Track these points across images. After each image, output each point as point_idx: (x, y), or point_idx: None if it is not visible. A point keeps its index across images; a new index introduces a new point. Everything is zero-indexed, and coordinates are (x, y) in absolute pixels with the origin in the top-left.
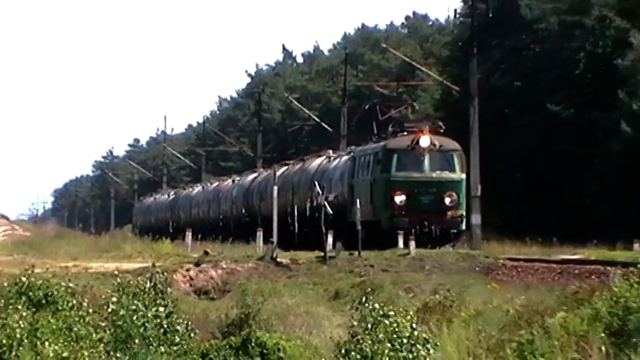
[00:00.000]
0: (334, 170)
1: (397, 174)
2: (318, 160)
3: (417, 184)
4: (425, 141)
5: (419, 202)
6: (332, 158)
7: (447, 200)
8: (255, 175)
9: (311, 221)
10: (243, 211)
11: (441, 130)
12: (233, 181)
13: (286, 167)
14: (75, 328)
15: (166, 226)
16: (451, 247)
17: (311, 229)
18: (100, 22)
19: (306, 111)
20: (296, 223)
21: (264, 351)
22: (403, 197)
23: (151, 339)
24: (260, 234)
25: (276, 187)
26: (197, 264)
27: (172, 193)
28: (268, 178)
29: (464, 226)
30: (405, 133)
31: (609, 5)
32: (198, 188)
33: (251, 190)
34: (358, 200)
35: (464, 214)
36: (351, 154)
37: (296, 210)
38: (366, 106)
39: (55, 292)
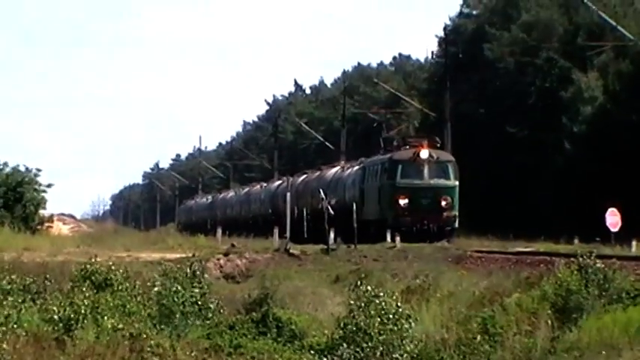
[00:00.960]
0: (347, 177)
1: (401, 181)
2: (334, 170)
3: (417, 190)
4: (424, 153)
5: (419, 204)
6: (345, 167)
7: (443, 203)
8: (280, 182)
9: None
10: (270, 211)
11: (438, 145)
12: (261, 186)
13: (306, 175)
14: (128, 306)
15: (205, 223)
16: (446, 242)
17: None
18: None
19: (313, 132)
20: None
21: (279, 324)
22: (406, 200)
23: (189, 314)
24: (276, 231)
25: (289, 194)
26: (226, 254)
27: (210, 196)
28: (292, 184)
29: (457, 225)
30: (407, 147)
31: (554, 49)
32: (231, 193)
33: (277, 194)
34: (355, 203)
35: (457, 214)
36: (362, 164)
37: (315, 210)
38: (375, 124)
39: (113, 277)
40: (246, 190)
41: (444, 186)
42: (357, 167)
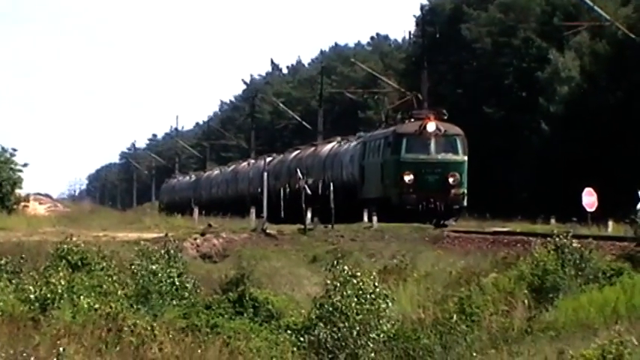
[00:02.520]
0: (345, 153)
1: (406, 156)
2: (329, 146)
3: (423, 165)
4: (431, 126)
5: (425, 181)
6: (343, 143)
7: (451, 180)
8: (270, 158)
9: (323, 198)
10: (259, 189)
11: (445, 117)
12: (249, 164)
13: (298, 151)
14: (104, 286)
15: (189, 203)
16: (454, 222)
17: (322, 205)
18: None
19: (290, 112)
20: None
21: (256, 304)
22: (411, 177)
23: (166, 294)
24: (253, 210)
25: (266, 173)
26: (202, 234)
27: (194, 175)
28: (283, 161)
29: (465, 203)
30: (412, 120)
31: (532, 29)
32: (217, 171)
33: (266, 171)
34: (332, 183)
35: (465, 192)
36: (361, 139)
37: (308, 189)
38: (376, 97)
39: (89, 256)
40: (233, 167)
41: (452, 161)
42: (355, 142)
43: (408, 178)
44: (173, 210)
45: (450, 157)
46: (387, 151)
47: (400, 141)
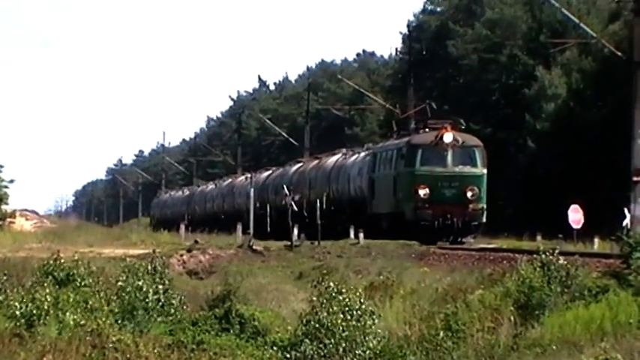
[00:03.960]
0: (352, 166)
1: (421, 168)
2: (334, 158)
3: (440, 178)
4: (448, 137)
5: (442, 195)
6: (349, 155)
7: (469, 194)
8: (269, 172)
9: (327, 212)
10: (258, 204)
11: (462, 127)
12: (246, 178)
13: (300, 164)
14: (90, 302)
15: (182, 218)
16: (472, 239)
17: (328, 220)
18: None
19: (277, 128)
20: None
21: (242, 320)
22: (427, 190)
23: (151, 310)
24: (239, 227)
25: (252, 189)
26: (189, 250)
27: (187, 189)
28: (283, 175)
29: (484, 219)
30: (427, 130)
31: (518, 46)
32: (211, 185)
33: (265, 186)
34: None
35: (484, 207)
36: (370, 150)
37: (312, 202)
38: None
39: (76, 272)
40: (230, 181)
41: (471, 174)
42: (364, 154)
43: (423, 192)
44: (165, 225)
45: (468, 169)
46: (400, 163)
47: (415, 152)
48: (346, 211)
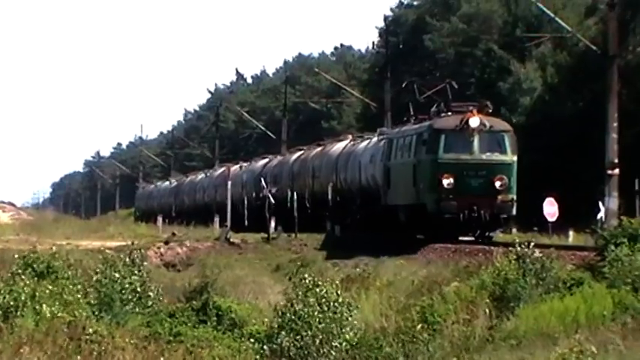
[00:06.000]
0: (363, 153)
1: (445, 155)
2: (341, 144)
3: (465, 167)
4: (475, 121)
5: (468, 185)
6: (358, 141)
7: (498, 184)
8: (266, 160)
9: (335, 205)
10: (254, 195)
11: (490, 111)
12: (240, 167)
13: (302, 152)
14: (68, 294)
15: (169, 210)
16: (500, 233)
17: (334, 212)
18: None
19: (255, 121)
20: (313, 204)
21: (219, 312)
22: (451, 180)
23: (128, 302)
24: (217, 219)
25: (230, 182)
26: (166, 242)
27: (174, 180)
28: (284, 163)
29: (514, 211)
30: (450, 113)
31: (494, 40)
32: (201, 175)
33: (263, 175)
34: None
35: (515, 198)
36: (384, 135)
37: (316, 192)
38: (404, 84)
39: (56, 265)
40: (222, 171)
41: (499, 162)
42: (376, 139)
43: (447, 181)
44: (150, 218)
45: (497, 157)
46: (420, 149)
47: (438, 138)
48: (356, 202)
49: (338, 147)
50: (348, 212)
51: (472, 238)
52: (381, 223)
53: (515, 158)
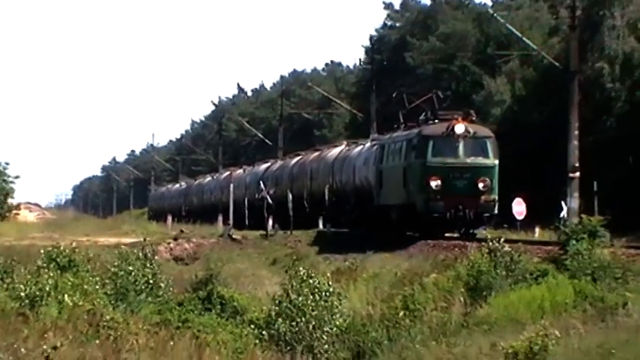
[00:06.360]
0: (357, 157)
1: (433, 159)
2: (337, 149)
3: (452, 170)
4: (460, 128)
5: (454, 186)
6: (352, 147)
7: (481, 185)
8: (268, 164)
9: (330, 201)
10: (257, 195)
11: (473, 118)
12: (244, 170)
13: (300, 157)
14: (87, 285)
15: (179, 209)
16: (484, 230)
17: (330, 211)
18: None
19: (254, 130)
20: (312, 204)
21: (223, 301)
22: (439, 182)
23: (141, 292)
24: (220, 218)
25: (232, 185)
26: (175, 239)
27: (184, 182)
28: (284, 166)
29: (496, 210)
30: (437, 121)
31: (468, 57)
32: (208, 178)
33: (265, 178)
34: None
35: (496, 198)
36: (376, 141)
37: (314, 193)
38: (394, 95)
39: (77, 259)
40: (227, 174)
41: (483, 165)
42: (369, 145)
43: (434, 183)
44: (162, 217)
45: (480, 160)
46: (410, 154)
47: (426, 143)
48: (351, 202)
49: (334, 152)
50: (344, 211)
51: (457, 235)
52: (374, 221)
53: (496, 162)
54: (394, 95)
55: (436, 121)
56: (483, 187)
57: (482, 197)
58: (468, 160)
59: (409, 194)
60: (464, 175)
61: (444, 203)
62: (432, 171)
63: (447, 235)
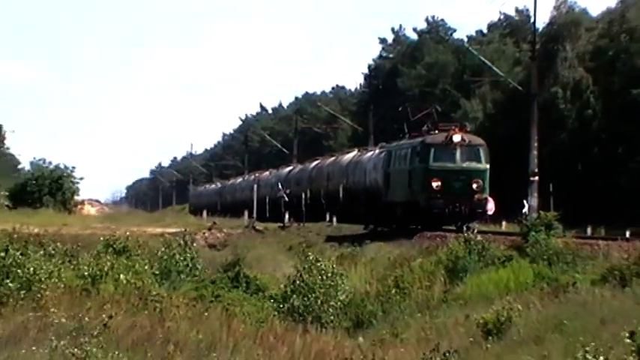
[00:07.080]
0: (368, 161)
1: (434, 164)
2: (350, 155)
3: (450, 173)
4: (457, 137)
5: (451, 187)
6: (363, 153)
7: (474, 185)
8: (290, 167)
9: (344, 198)
10: (278, 194)
11: (468, 130)
12: (270, 172)
13: (318, 161)
14: (137, 266)
15: (215, 205)
16: (477, 224)
17: (344, 206)
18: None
19: (274, 141)
20: (328, 201)
21: (248, 280)
22: (439, 183)
23: (182, 273)
24: (246, 212)
25: (255, 185)
26: (209, 229)
27: (219, 183)
28: (304, 169)
29: (488, 207)
30: (437, 132)
31: (448, 82)
32: (240, 179)
33: (288, 179)
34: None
35: (487, 196)
36: (384, 148)
37: (330, 192)
38: (400, 109)
39: (129, 245)
40: (256, 175)
41: (476, 169)
42: (378, 151)
43: (435, 184)
44: (201, 212)
45: (474, 165)
46: (415, 159)
47: (428, 150)
48: (362, 200)
49: (348, 157)
50: (355, 207)
51: (454, 228)
52: (382, 216)
53: (487, 166)
54: (399, 109)
55: (437, 131)
56: (477, 187)
57: (476, 196)
58: (464, 165)
59: (413, 193)
60: (460, 177)
61: (443, 201)
62: (433, 174)
63: (444, 227)
